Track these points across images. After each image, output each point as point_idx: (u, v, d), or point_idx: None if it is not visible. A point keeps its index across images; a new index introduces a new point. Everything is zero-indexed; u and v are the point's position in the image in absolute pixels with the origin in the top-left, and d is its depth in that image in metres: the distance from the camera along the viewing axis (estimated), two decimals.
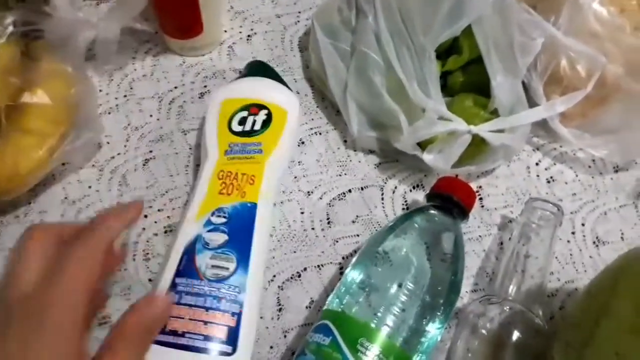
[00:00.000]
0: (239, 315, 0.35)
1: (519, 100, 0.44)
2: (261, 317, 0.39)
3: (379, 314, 0.34)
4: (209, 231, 0.37)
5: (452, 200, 0.40)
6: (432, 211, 0.40)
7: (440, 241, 0.39)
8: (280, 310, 0.39)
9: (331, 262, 0.42)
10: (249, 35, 0.51)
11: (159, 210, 0.42)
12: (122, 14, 0.43)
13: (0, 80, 0.36)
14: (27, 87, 0.37)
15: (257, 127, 0.42)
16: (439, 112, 0.41)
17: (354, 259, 0.38)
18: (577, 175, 0.49)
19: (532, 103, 0.45)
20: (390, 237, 0.38)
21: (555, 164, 0.49)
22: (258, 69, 0.46)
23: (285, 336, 0.39)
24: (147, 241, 0.41)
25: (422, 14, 0.43)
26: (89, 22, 0.43)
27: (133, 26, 0.47)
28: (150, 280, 0.39)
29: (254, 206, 0.39)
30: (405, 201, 0.45)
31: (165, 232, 0.41)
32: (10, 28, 0.38)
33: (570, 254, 0.45)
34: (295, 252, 0.42)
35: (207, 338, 0.34)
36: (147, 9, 0.45)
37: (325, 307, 0.36)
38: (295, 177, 0.45)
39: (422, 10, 0.43)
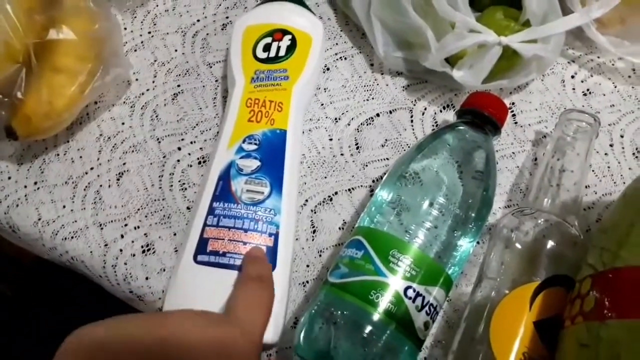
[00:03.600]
0: (275, 236, 0.36)
1: (552, 9, 0.42)
2: (297, 239, 0.40)
3: (410, 231, 0.34)
4: (241, 158, 0.38)
5: (483, 115, 0.39)
6: (463, 127, 0.39)
7: (471, 158, 0.38)
8: (314, 232, 0.40)
9: (361, 186, 0.42)
10: None
11: (191, 142, 0.43)
12: None
13: (26, 19, 0.37)
14: (52, 24, 0.38)
15: (282, 53, 0.41)
16: (468, 25, 0.40)
17: (383, 179, 0.38)
18: (615, 86, 0.46)
19: (566, 11, 0.43)
20: (419, 157, 0.38)
21: (592, 76, 0.47)
22: None
23: (320, 255, 0.40)
24: (182, 172, 0.42)
25: None
26: None
27: None
28: (188, 208, 0.40)
29: (283, 133, 0.39)
30: (436, 122, 0.45)
31: (199, 163, 0.42)
32: None
33: (608, 167, 0.44)
34: (325, 177, 0.42)
35: None
36: None
37: (356, 226, 0.36)
38: (322, 104, 0.45)
39: None
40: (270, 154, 0.38)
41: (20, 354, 0.83)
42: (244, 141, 0.39)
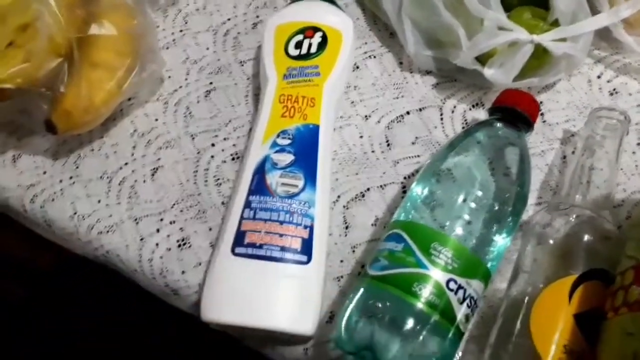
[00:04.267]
0: (311, 228, 0.36)
1: (581, 8, 0.43)
2: (330, 234, 0.40)
3: (445, 227, 0.34)
4: (276, 152, 0.39)
5: (516, 111, 0.39)
6: (496, 124, 0.39)
7: (505, 155, 0.39)
8: (347, 227, 0.41)
9: (393, 182, 0.42)
10: None
11: (224, 139, 0.43)
12: None
13: (67, 14, 0.37)
14: (92, 19, 0.38)
15: (314, 50, 0.42)
16: (500, 22, 0.40)
17: (417, 176, 0.38)
18: None
19: (594, 11, 0.43)
20: (452, 154, 0.38)
21: (618, 76, 0.47)
22: None
23: (353, 251, 0.40)
24: (217, 168, 0.42)
25: None
26: None
27: None
28: (223, 203, 0.41)
29: (316, 127, 0.40)
30: (465, 120, 0.45)
31: (233, 159, 0.42)
32: None
33: (636, 165, 0.44)
34: (357, 174, 0.43)
35: (283, 249, 0.36)
36: None
37: (392, 220, 0.37)
38: (352, 102, 0.45)
39: None
40: (304, 148, 0.39)
41: (20, 354, 0.83)
42: (278, 136, 0.39)
